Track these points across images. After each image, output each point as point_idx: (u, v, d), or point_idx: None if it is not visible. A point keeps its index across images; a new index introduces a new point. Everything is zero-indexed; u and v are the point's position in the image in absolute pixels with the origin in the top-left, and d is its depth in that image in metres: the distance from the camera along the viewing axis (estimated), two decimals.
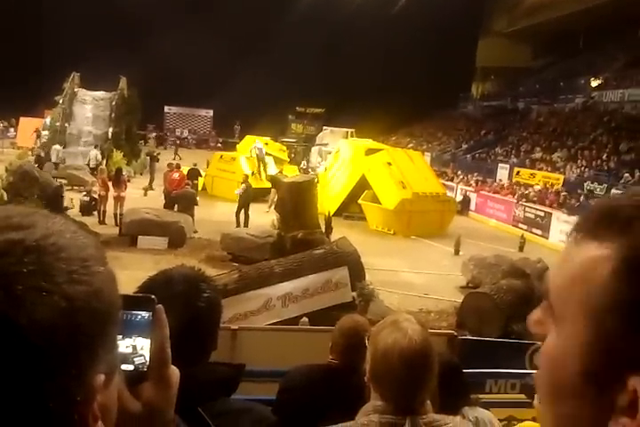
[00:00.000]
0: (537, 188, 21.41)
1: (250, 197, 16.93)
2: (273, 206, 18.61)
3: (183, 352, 0.94)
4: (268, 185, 18.32)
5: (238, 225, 16.39)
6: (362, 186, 19.02)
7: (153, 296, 0.77)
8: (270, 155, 24.30)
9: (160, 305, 0.77)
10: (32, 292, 0.54)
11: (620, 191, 18.19)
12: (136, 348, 0.76)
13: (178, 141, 42.54)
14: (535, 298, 9.93)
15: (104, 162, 22.29)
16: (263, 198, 20.34)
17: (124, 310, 0.72)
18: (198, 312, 1.43)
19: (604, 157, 22.08)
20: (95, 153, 23.76)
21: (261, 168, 22.02)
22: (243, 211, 16.66)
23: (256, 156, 22.51)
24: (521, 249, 16.17)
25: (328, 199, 18.57)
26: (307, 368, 2.76)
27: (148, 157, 24.57)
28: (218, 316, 1.53)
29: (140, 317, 0.76)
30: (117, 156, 23.18)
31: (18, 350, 0.53)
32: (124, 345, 0.75)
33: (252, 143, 23.68)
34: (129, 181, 19.92)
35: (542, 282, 10.76)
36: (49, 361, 0.54)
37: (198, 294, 1.46)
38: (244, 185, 16.99)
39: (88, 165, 22.73)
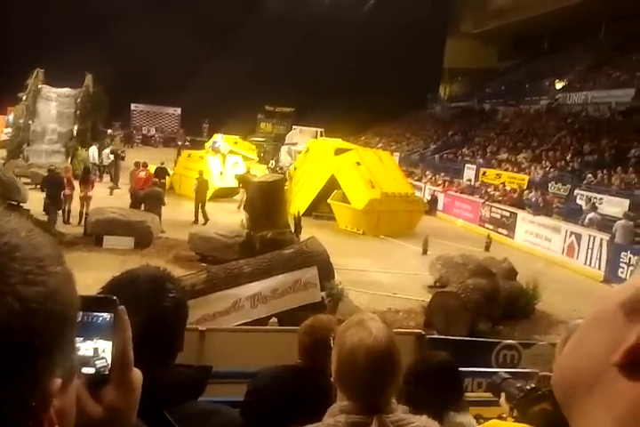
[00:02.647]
0: (501, 187, 21.72)
1: (205, 192, 17.43)
2: (242, 206, 18.73)
3: (148, 354, 0.92)
4: (234, 184, 18.42)
5: (196, 221, 16.89)
6: (331, 185, 19.06)
7: (114, 297, 0.76)
8: (239, 154, 24.23)
9: (122, 306, 0.75)
10: None
11: (582, 192, 18.61)
12: (97, 350, 0.74)
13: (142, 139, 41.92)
14: (500, 297, 10.10)
15: (68, 160, 21.88)
16: (232, 198, 20.27)
17: (85, 312, 0.70)
18: (163, 313, 1.41)
19: (568, 157, 22.54)
20: (107, 152, 24.30)
21: (223, 165, 21.97)
22: (200, 207, 17.12)
23: (213, 150, 22.58)
24: (487, 249, 16.39)
25: (297, 199, 18.58)
26: (274, 369, 2.75)
27: (113, 155, 24.19)
28: (184, 316, 1.51)
29: (101, 318, 0.75)
30: (82, 154, 22.77)
31: None
32: (84, 348, 0.73)
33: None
34: (96, 180, 19.62)
35: (507, 282, 10.95)
36: (1, 365, 0.53)
37: (164, 293, 1.44)
38: (196, 181, 17.54)
39: (97, 164, 23.20)
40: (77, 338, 0.67)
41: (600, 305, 0.57)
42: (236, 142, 25.79)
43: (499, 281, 10.30)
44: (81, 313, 0.67)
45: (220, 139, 23.89)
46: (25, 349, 0.54)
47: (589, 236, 15.62)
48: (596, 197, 18.01)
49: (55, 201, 14.48)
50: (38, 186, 18.63)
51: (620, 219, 15.41)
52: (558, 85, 31.92)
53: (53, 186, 14.69)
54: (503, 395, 2.28)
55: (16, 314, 0.53)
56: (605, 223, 16.13)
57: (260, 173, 21.48)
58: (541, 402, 2.10)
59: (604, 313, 0.56)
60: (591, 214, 16.73)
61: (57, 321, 0.57)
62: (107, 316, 0.75)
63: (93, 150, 23.90)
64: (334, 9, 43.49)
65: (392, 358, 1.63)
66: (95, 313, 0.74)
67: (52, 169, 15.93)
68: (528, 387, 2.19)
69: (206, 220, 16.97)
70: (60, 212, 15.38)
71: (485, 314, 9.75)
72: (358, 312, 8.98)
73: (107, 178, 23.28)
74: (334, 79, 43.26)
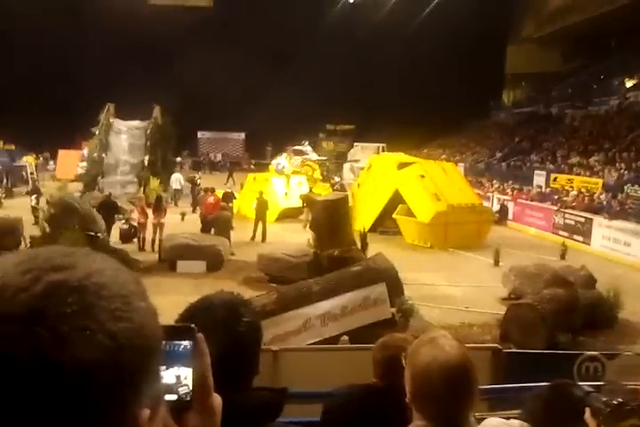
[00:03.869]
0: (573, 193, 20.93)
1: (265, 211, 17.91)
2: (307, 225, 18.93)
3: (226, 379, 0.96)
4: (299, 204, 18.72)
5: (253, 238, 17.39)
6: (395, 200, 18.94)
7: (193, 325, 0.79)
8: (303, 173, 24.50)
9: (200, 334, 0.79)
10: (76, 332, 0.56)
11: None
12: (179, 378, 0.77)
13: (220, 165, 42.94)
14: (579, 307, 9.70)
15: (141, 190, 22.76)
16: (298, 218, 20.46)
17: (166, 341, 0.74)
18: (239, 337, 1.45)
19: None
20: (178, 176, 25.76)
21: (288, 186, 22.34)
22: (261, 225, 17.62)
23: (277, 172, 23.07)
24: (562, 257, 15.81)
25: (362, 215, 18.55)
26: (348, 389, 2.75)
27: (190, 183, 25.23)
28: (258, 340, 1.55)
29: (181, 346, 0.78)
30: (154, 183, 23.64)
31: (61, 390, 0.55)
32: (167, 376, 0.76)
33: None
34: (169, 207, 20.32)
35: (587, 290, 10.50)
36: (93, 399, 0.56)
37: (238, 319, 1.48)
38: (256, 200, 18.08)
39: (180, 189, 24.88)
40: (161, 367, 0.71)
41: None
42: (309, 164, 25.99)
43: (577, 290, 9.90)
44: (163, 342, 0.70)
45: (283, 160, 24.32)
46: (115, 382, 0.57)
47: None
48: None
49: (108, 223, 15.74)
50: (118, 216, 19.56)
51: None
52: (628, 84, 30.66)
53: (107, 209, 16.17)
54: (588, 410, 2.19)
55: (106, 350, 0.57)
56: None
57: (324, 191, 21.76)
58: (631, 417, 1.99)
59: None
60: None
61: (143, 354, 0.61)
62: (187, 344, 0.79)
63: (178, 177, 25.43)
64: (390, 22, 43.52)
65: (467, 375, 1.61)
66: (176, 342, 0.78)
67: (106, 195, 18.52)
68: (615, 402, 2.08)
69: (264, 238, 17.40)
70: (136, 240, 16.00)
71: (564, 325, 9.38)
72: (430, 329, 8.84)
73: (181, 203, 24.07)
74: (393, 93, 43.20)
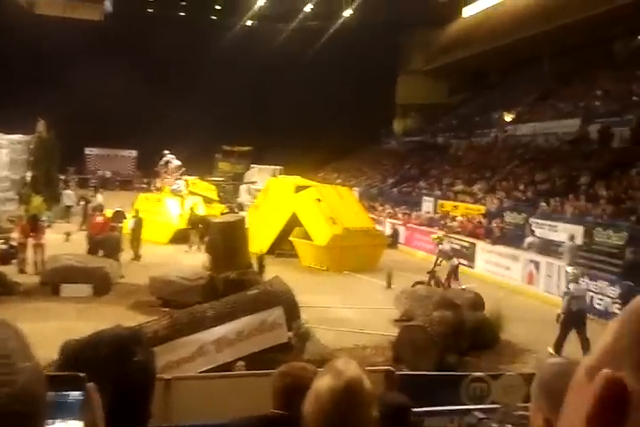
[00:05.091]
0: (459, 219, 22.12)
1: (140, 230, 17.96)
2: (194, 246, 18.76)
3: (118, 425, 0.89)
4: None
5: (135, 257, 17.25)
6: (292, 223, 19.06)
7: (82, 374, 0.74)
8: (199, 195, 24.12)
9: (91, 383, 0.73)
10: None
11: (537, 220, 19.06)
12: None
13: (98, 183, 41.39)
14: (466, 329, 10.16)
15: (22, 207, 21.40)
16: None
17: (54, 392, 0.68)
18: (128, 380, 1.36)
19: (521, 187, 23.15)
20: (70, 193, 25.24)
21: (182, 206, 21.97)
22: (135, 245, 17.61)
23: (173, 192, 22.67)
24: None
25: (259, 238, 18.49)
26: (246, 421, 2.68)
27: (83, 201, 24.25)
28: (151, 382, 1.47)
29: (70, 397, 0.72)
30: (37, 201, 22.29)
31: None
32: None
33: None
34: (49, 226, 19.17)
35: (472, 313, 11.04)
36: None
37: (127, 358, 1.39)
38: (133, 219, 18.13)
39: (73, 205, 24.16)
40: (48, 421, 0.65)
41: (575, 374, 0.58)
42: (194, 183, 25.68)
43: (464, 312, 10.38)
44: (50, 394, 0.65)
45: (179, 182, 23.77)
46: None
47: (548, 263, 15.96)
48: (550, 225, 18.48)
49: None
50: None
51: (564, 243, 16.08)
52: (507, 118, 33.02)
53: None
54: None
55: None
56: (546, 247, 16.70)
57: (219, 212, 21.52)
58: None
59: (576, 381, 0.57)
60: (530, 238, 17.27)
61: (25, 419, 0.55)
62: (76, 394, 0.73)
63: (69, 194, 24.71)
64: (286, 49, 44.38)
65: (359, 396, 1.60)
66: (64, 392, 0.72)
67: None
68: None
69: (138, 257, 17.32)
70: (16, 261, 14.95)
71: (452, 346, 9.77)
72: (328, 351, 8.89)
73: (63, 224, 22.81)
74: (290, 117, 43.80)
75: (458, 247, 19.93)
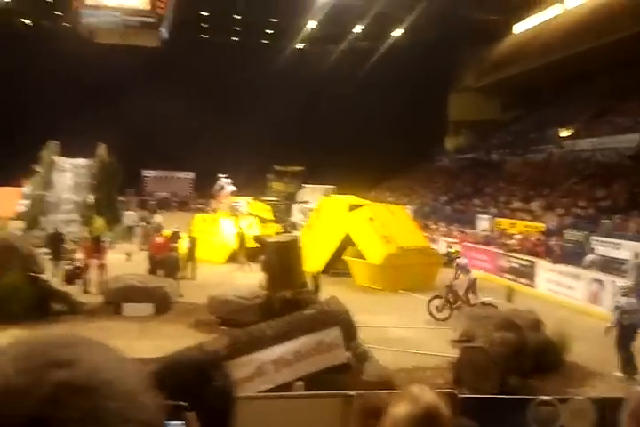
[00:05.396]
0: (517, 237, 21.60)
1: (194, 249, 18.36)
2: (245, 265, 19.03)
3: None
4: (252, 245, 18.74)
5: (183, 277, 17.38)
6: (346, 242, 19.04)
7: (185, 404, 0.75)
8: (255, 215, 24.47)
9: (192, 413, 0.75)
10: None
11: (599, 238, 18.45)
12: None
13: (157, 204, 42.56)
14: (528, 350, 9.85)
15: (85, 229, 22.17)
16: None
17: None
18: (210, 404, 1.35)
19: (581, 204, 22.50)
20: (160, 218, 26.23)
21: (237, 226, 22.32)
22: (190, 263, 17.98)
23: (233, 211, 23.11)
24: (509, 299, 16.14)
25: (313, 257, 18.54)
26: None
27: (142, 222, 25.57)
28: (232, 405, 1.48)
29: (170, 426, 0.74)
30: (99, 222, 23.06)
31: None
32: None
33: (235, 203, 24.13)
34: (110, 247, 19.77)
35: (534, 333, 10.71)
36: None
37: (208, 382, 1.40)
38: (188, 239, 18.54)
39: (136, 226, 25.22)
40: None
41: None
42: (250, 203, 26.11)
43: (525, 333, 10.07)
44: None
45: (241, 201, 24.49)
46: None
47: (611, 282, 15.38)
48: (613, 242, 17.86)
49: (56, 256, 16.67)
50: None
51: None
52: (564, 134, 32.29)
53: (55, 243, 17.18)
54: None
55: None
56: (608, 265, 16.10)
57: (275, 232, 21.75)
58: None
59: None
60: (591, 256, 16.71)
61: None
62: (177, 423, 0.74)
63: (131, 215, 26.08)
64: (336, 69, 44.80)
65: (437, 422, 1.59)
66: (166, 421, 0.74)
67: (55, 228, 19.10)
68: None
69: (193, 276, 17.69)
70: (80, 281, 15.46)
71: (514, 368, 9.48)
72: (388, 373, 8.78)
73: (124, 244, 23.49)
74: (341, 136, 44.07)
75: (516, 266, 19.47)
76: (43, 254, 16.00)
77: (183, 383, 1.33)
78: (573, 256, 18.09)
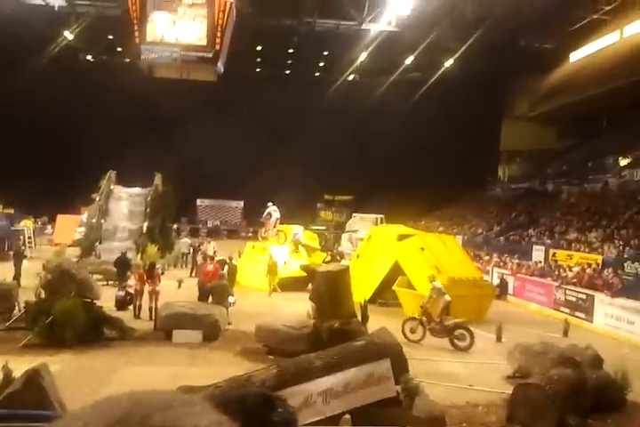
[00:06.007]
0: (575, 269, 20.87)
1: (234, 275, 18.91)
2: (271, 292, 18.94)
3: None
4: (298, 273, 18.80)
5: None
6: (395, 272, 18.79)
7: None
8: (303, 244, 24.54)
9: None
10: None
11: None
12: None
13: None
14: (588, 388, 9.37)
15: (139, 256, 22.66)
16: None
17: None
18: None
19: None
20: (187, 241, 27.70)
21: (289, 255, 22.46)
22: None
23: (294, 241, 23.27)
24: (565, 334, 15.52)
25: (362, 286, 18.34)
26: None
27: (192, 249, 26.65)
28: None
29: None
30: (152, 249, 23.55)
31: None
32: None
33: (287, 232, 24.31)
34: (163, 274, 20.09)
35: (593, 371, 10.20)
36: None
37: (273, 409, 1.44)
38: (227, 265, 19.11)
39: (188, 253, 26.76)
40: None
41: None
42: (297, 233, 26.20)
43: (584, 370, 9.62)
44: None
45: (300, 230, 24.82)
46: None
47: None
48: None
49: (122, 277, 18.51)
50: (110, 282, 19.48)
51: None
52: (623, 162, 31.34)
53: (122, 266, 18.85)
54: None
55: None
56: None
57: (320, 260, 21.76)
58: None
59: None
60: None
61: None
62: None
63: (185, 242, 27.16)
64: (387, 100, 44.98)
65: None
66: None
67: (123, 252, 20.29)
68: None
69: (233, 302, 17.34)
70: (132, 307, 15.72)
71: (573, 407, 9.03)
72: (439, 408, 8.48)
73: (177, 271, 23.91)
74: (391, 165, 44.03)
75: (573, 299, 18.77)
76: (97, 281, 16.42)
77: (250, 412, 1.35)
78: (633, 290, 17.30)
